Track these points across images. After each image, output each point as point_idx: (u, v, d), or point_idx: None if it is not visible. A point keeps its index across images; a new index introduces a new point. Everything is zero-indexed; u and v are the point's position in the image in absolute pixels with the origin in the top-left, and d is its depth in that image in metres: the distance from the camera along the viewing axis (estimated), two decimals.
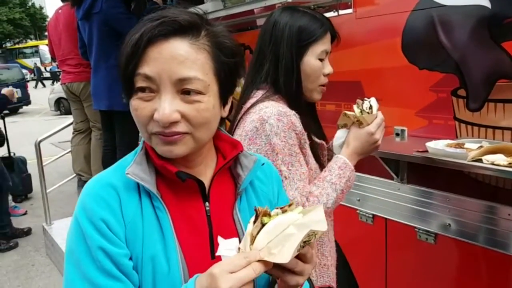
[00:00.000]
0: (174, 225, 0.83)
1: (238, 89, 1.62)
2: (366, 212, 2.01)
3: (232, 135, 1.31)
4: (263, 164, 0.95)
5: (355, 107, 1.32)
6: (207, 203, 0.88)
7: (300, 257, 0.77)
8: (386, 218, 1.93)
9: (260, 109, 1.25)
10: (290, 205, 0.78)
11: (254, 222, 0.75)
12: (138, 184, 0.83)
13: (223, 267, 0.69)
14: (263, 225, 0.74)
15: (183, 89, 0.78)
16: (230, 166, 0.93)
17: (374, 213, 1.98)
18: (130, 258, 0.80)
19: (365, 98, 1.32)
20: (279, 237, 0.72)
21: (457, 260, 1.71)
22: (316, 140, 1.43)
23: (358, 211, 2.05)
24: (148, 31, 0.77)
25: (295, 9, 1.34)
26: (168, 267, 0.80)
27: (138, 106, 0.80)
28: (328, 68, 1.35)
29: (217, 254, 0.73)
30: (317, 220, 0.75)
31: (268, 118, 1.21)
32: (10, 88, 4.04)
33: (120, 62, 0.81)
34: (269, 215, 0.75)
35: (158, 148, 0.82)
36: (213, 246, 0.86)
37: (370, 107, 1.30)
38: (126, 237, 0.80)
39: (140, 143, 0.90)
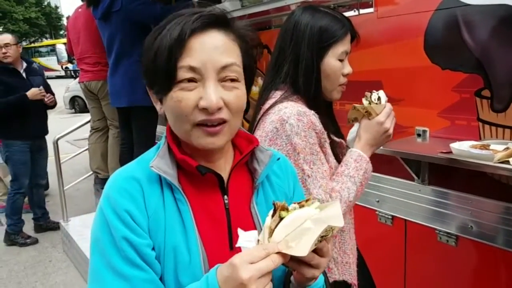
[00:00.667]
0: (194, 216, 0.87)
1: (255, 89, 1.61)
2: (385, 213, 2.00)
3: None
4: (278, 158, 0.98)
5: (363, 99, 1.33)
6: (225, 197, 0.91)
7: (316, 251, 0.80)
8: (405, 220, 1.91)
9: (279, 110, 1.26)
10: (307, 200, 0.80)
11: (272, 216, 0.77)
12: (160, 177, 0.87)
13: (244, 258, 0.71)
14: (281, 219, 0.76)
15: (225, 77, 0.83)
16: (247, 161, 0.97)
17: (394, 214, 1.96)
18: (153, 249, 0.84)
19: (373, 91, 1.34)
20: (296, 231, 0.75)
21: (479, 263, 1.68)
22: (335, 139, 1.43)
23: (377, 212, 2.03)
24: (189, 25, 0.82)
25: (316, 9, 1.34)
26: (189, 257, 0.83)
27: (182, 97, 0.83)
28: (347, 68, 1.36)
29: (237, 245, 0.76)
30: (334, 216, 0.78)
31: (288, 118, 1.22)
32: (33, 89, 4.05)
33: (157, 55, 0.83)
34: (287, 210, 0.78)
35: (200, 141, 0.85)
36: (232, 237, 0.89)
37: (379, 98, 1.33)
38: (149, 228, 0.84)
39: (163, 138, 0.94)
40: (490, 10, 1.54)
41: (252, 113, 1.44)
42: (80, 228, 3.95)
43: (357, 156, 1.32)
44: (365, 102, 1.33)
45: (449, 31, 1.67)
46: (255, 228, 0.90)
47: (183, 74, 0.82)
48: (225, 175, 0.92)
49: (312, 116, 1.24)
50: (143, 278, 0.81)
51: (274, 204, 0.78)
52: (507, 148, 1.37)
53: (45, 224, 4.65)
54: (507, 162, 1.31)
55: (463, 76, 1.65)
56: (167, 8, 3.27)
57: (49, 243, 4.42)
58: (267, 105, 1.32)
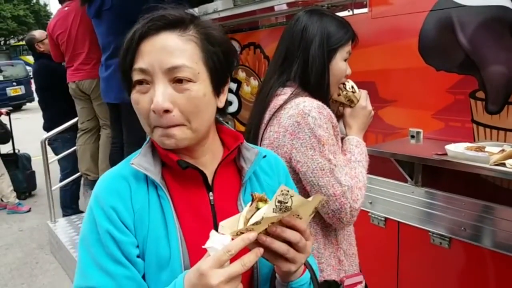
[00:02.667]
0: (177, 212, 0.88)
1: (248, 89, 1.60)
2: (378, 215, 1.99)
3: (262, 132, 1.37)
4: (264, 156, 0.98)
5: (340, 91, 1.43)
6: (210, 193, 0.92)
7: (292, 245, 0.80)
8: (398, 222, 1.90)
9: (297, 104, 1.29)
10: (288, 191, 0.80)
11: (250, 205, 0.78)
12: (146, 176, 0.88)
13: (210, 264, 0.71)
14: (257, 209, 0.77)
15: (174, 78, 0.83)
16: (235, 159, 0.97)
17: (387, 216, 1.95)
18: (137, 247, 0.85)
19: (345, 82, 1.42)
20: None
21: (472, 265, 1.68)
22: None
23: (370, 214, 2.02)
24: (140, 28, 0.85)
25: (323, 13, 1.41)
26: (170, 251, 0.84)
27: (138, 99, 0.86)
28: (349, 69, 1.43)
29: (204, 246, 0.75)
30: (302, 205, 0.78)
31: (310, 112, 1.25)
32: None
33: (119, 60, 0.88)
34: (265, 201, 0.78)
35: (160, 141, 0.87)
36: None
37: (352, 87, 1.43)
38: (135, 224, 0.86)
39: (148, 137, 0.95)
40: (485, 11, 1.54)
41: (250, 112, 1.48)
42: (68, 229, 3.89)
43: (356, 142, 1.40)
44: (342, 93, 1.42)
45: (443, 32, 1.66)
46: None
47: (136, 76, 0.84)
48: (211, 172, 0.93)
49: (328, 109, 1.31)
50: (126, 275, 0.82)
51: (252, 195, 0.79)
52: (503, 150, 1.36)
53: None
54: (503, 165, 1.30)
55: (458, 78, 1.65)
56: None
57: (36, 244, 4.34)
58: (280, 101, 1.35)
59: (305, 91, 1.36)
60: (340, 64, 1.38)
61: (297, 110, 1.27)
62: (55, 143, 4.46)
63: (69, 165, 4.48)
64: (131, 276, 0.83)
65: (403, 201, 1.87)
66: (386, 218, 1.95)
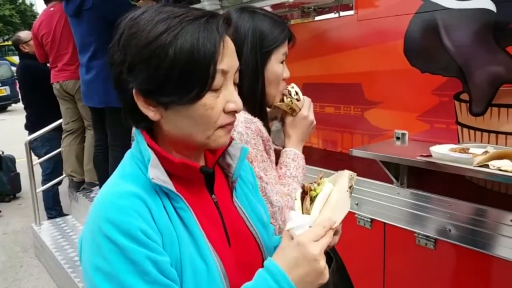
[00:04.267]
0: (199, 222, 0.84)
1: None
2: (364, 216, 1.99)
3: None
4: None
5: (284, 98, 1.35)
6: (213, 195, 0.91)
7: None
8: (384, 223, 1.91)
9: None
10: (320, 178, 0.92)
11: (302, 198, 0.87)
12: (155, 189, 0.81)
13: (310, 237, 0.79)
14: (311, 199, 0.87)
15: (235, 78, 0.86)
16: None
17: (373, 217, 1.95)
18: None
19: (288, 87, 1.35)
20: (329, 204, 0.87)
21: (457, 266, 1.69)
22: (275, 146, 1.42)
23: (356, 215, 2.02)
24: (218, 28, 0.80)
25: (254, 11, 1.30)
26: (206, 265, 0.81)
27: (213, 104, 0.81)
28: (286, 72, 1.34)
29: (287, 228, 0.82)
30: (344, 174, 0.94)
31: (236, 127, 1.17)
32: None
33: (190, 62, 0.77)
34: (315, 191, 0.88)
35: (220, 141, 0.85)
36: (228, 235, 0.90)
37: (296, 93, 1.36)
38: (163, 245, 0.78)
39: (143, 150, 0.84)
40: (469, 14, 1.55)
41: None
42: (53, 232, 3.84)
43: (294, 155, 1.35)
44: (286, 100, 1.35)
45: (428, 34, 1.67)
46: (243, 221, 0.94)
47: (219, 78, 0.80)
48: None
49: (258, 123, 1.23)
50: None
51: (302, 187, 0.88)
52: (486, 152, 1.38)
53: None
54: (487, 166, 1.31)
55: (443, 80, 1.66)
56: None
57: (20, 247, 4.28)
58: None
59: None
60: (276, 68, 1.28)
61: None
62: (35, 143, 4.43)
63: (50, 165, 4.45)
64: None
65: (389, 202, 1.88)
66: (372, 219, 1.96)
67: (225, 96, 0.82)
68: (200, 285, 0.79)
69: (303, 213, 0.85)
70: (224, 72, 0.81)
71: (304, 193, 0.88)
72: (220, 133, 0.84)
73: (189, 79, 0.77)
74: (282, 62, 1.31)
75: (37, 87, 4.43)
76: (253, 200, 1.01)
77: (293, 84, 1.37)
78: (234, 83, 0.86)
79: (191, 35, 0.77)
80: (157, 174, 0.80)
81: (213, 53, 0.78)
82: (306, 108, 1.37)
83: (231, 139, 0.93)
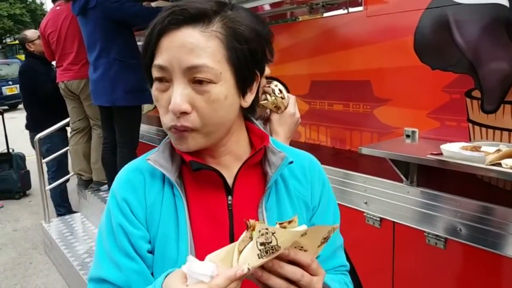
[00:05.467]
0: (190, 214, 0.85)
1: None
2: (373, 215, 1.96)
3: None
4: (291, 162, 0.90)
5: (267, 96, 1.34)
6: (229, 197, 0.87)
7: (294, 282, 0.70)
8: (394, 222, 1.88)
9: None
10: (290, 222, 0.69)
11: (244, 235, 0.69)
12: (164, 174, 0.86)
13: None
14: (251, 239, 0.67)
15: (194, 78, 0.77)
16: (261, 162, 0.90)
17: (382, 216, 1.93)
18: (149, 242, 0.85)
19: (271, 85, 1.34)
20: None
21: (468, 266, 1.66)
22: None
23: (365, 214, 2.00)
24: (159, 22, 0.79)
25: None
26: (177, 253, 0.83)
27: (157, 97, 0.82)
28: (266, 69, 1.33)
29: (183, 269, 0.69)
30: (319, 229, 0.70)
31: None
32: None
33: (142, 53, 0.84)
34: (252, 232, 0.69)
35: (174, 143, 0.85)
36: (233, 240, 0.84)
37: (280, 91, 1.35)
38: (146, 218, 0.85)
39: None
40: (481, 9, 1.52)
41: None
42: (63, 229, 3.86)
43: None
44: (271, 98, 1.33)
45: (439, 30, 1.64)
46: None
47: (155, 72, 0.80)
48: (232, 174, 0.87)
49: None
50: (134, 269, 0.82)
51: (246, 222, 0.69)
52: (499, 150, 1.35)
53: None
54: (499, 165, 1.29)
55: (453, 77, 1.63)
56: (144, 7, 3.21)
57: (30, 244, 4.31)
58: None
59: None
60: None
61: None
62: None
63: (54, 163, 4.47)
64: (139, 270, 0.83)
65: (398, 201, 1.85)
66: (381, 218, 1.93)
67: (170, 94, 0.79)
68: (166, 269, 0.77)
69: (238, 255, 0.67)
70: (162, 67, 0.78)
71: (246, 230, 0.69)
72: (172, 136, 0.83)
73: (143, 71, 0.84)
74: None
75: (33, 91, 4.46)
76: (290, 214, 0.89)
77: (276, 82, 1.36)
78: (197, 82, 0.77)
79: (147, 30, 0.81)
80: (157, 157, 0.86)
81: (145, 45, 0.81)
82: (292, 105, 1.38)
83: (265, 144, 0.87)
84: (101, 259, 0.86)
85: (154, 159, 0.85)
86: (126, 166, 0.92)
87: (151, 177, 0.87)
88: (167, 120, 0.81)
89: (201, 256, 0.78)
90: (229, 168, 0.88)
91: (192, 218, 0.85)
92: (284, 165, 0.88)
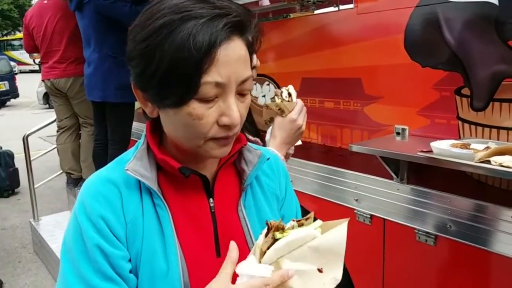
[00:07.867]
0: (175, 223, 0.80)
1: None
2: (363, 212, 1.97)
3: None
4: (268, 158, 0.91)
5: (276, 98, 1.34)
6: (211, 199, 0.85)
7: None
8: (384, 219, 1.89)
9: None
10: (307, 219, 0.73)
11: (266, 235, 0.71)
12: (139, 181, 0.80)
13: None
14: (274, 240, 0.70)
15: (242, 90, 0.75)
16: (235, 161, 0.90)
17: (372, 213, 1.94)
18: (130, 260, 0.78)
19: (283, 88, 1.34)
20: (297, 265, 0.70)
21: (457, 262, 1.67)
22: (250, 137, 1.42)
23: (355, 211, 2.00)
24: (218, 33, 0.69)
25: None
26: (167, 266, 0.77)
27: (203, 114, 0.72)
28: (255, 60, 1.35)
29: (237, 270, 0.71)
30: (337, 243, 0.72)
31: None
32: None
33: (173, 64, 0.69)
34: (283, 229, 0.72)
35: (212, 153, 0.78)
36: (218, 243, 0.84)
37: (289, 95, 1.34)
38: (127, 236, 0.78)
39: (142, 137, 0.85)
40: (471, 7, 1.53)
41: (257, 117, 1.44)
42: (52, 228, 3.83)
43: None
44: (277, 100, 1.34)
45: (429, 28, 1.65)
46: (243, 232, 0.86)
47: (208, 90, 0.70)
48: (210, 176, 0.85)
49: None
50: None
51: (267, 224, 0.71)
52: (488, 148, 1.36)
53: None
54: (488, 162, 1.30)
55: (443, 74, 1.64)
56: (135, 9, 3.18)
57: (19, 243, 4.27)
58: None
59: None
60: None
61: None
62: None
63: None
64: None
65: (388, 198, 1.86)
66: (371, 215, 1.94)
67: (220, 108, 0.73)
68: (155, 285, 0.76)
69: (260, 255, 0.70)
70: (219, 85, 0.70)
71: (268, 231, 0.72)
72: (212, 145, 0.77)
73: (170, 84, 0.71)
74: None
75: None
76: (267, 212, 0.91)
77: (289, 86, 1.34)
78: (241, 94, 0.75)
79: (181, 37, 0.68)
80: (136, 166, 0.79)
81: (197, 63, 0.68)
82: (297, 111, 1.34)
83: (244, 144, 0.87)
84: (73, 283, 0.75)
85: (133, 169, 0.78)
86: (94, 176, 0.82)
87: (126, 188, 0.80)
88: (214, 131, 0.75)
89: (193, 265, 0.79)
90: (207, 169, 0.86)
91: (177, 227, 0.81)
92: (261, 162, 0.89)
